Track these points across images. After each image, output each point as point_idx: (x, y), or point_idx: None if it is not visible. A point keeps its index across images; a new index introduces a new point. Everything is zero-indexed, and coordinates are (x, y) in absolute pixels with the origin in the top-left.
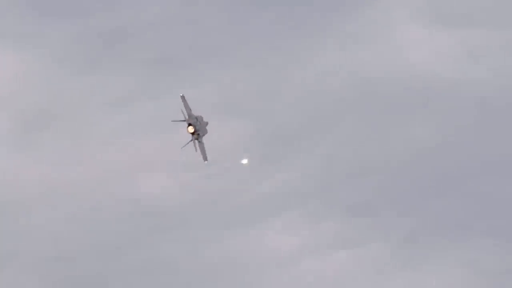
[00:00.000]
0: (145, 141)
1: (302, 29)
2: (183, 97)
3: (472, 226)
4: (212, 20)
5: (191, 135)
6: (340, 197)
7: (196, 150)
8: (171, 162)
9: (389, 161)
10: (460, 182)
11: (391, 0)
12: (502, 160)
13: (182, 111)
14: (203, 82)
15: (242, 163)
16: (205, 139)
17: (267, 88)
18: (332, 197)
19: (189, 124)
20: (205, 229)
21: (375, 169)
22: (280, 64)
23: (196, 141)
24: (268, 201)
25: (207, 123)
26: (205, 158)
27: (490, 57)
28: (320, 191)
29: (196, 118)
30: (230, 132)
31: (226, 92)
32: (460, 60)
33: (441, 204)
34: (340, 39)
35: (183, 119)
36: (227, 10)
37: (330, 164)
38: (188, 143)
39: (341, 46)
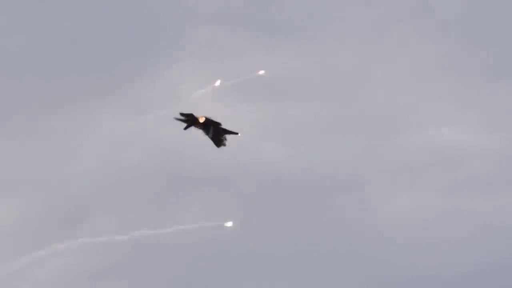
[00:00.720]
0: None
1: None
2: (175, 118)
3: None
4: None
5: (202, 127)
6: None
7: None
8: None
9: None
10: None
11: (188, 69)
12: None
13: (180, 118)
14: None
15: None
16: None
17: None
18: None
19: (192, 121)
20: None
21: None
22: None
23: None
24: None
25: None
26: (236, 133)
27: (300, 135)
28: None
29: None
30: (6, 210)
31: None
32: (266, 137)
33: None
34: (127, 108)
35: (188, 119)
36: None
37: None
38: (213, 138)
39: (121, 117)
